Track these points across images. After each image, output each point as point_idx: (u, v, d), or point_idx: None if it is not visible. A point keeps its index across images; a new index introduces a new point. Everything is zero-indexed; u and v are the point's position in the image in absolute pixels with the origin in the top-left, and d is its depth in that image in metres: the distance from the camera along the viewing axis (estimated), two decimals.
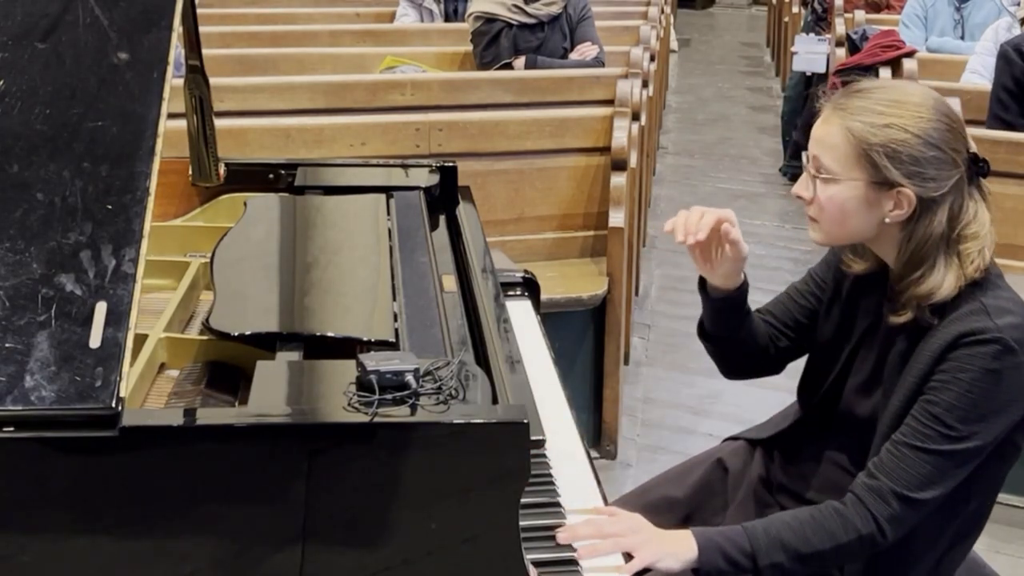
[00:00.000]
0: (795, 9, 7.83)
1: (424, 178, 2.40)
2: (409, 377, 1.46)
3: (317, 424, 1.43)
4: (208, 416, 1.50)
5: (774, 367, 2.07)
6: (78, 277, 1.44)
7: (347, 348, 1.63)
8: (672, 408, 4.00)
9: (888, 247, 1.79)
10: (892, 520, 1.72)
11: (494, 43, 4.61)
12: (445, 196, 2.42)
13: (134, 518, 1.38)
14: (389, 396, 1.44)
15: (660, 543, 1.72)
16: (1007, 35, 4.31)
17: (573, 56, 4.68)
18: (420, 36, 5.23)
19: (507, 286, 2.42)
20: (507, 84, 4.12)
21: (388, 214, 2.16)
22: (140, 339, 1.70)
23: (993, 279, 1.76)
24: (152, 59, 1.64)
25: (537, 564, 1.57)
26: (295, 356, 1.62)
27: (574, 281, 3.59)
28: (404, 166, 2.51)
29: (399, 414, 1.43)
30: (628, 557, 1.69)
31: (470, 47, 4.72)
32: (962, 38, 5.28)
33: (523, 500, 1.45)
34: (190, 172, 2.29)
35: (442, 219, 2.34)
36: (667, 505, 2.08)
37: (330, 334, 1.69)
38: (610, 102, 3.83)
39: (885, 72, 4.67)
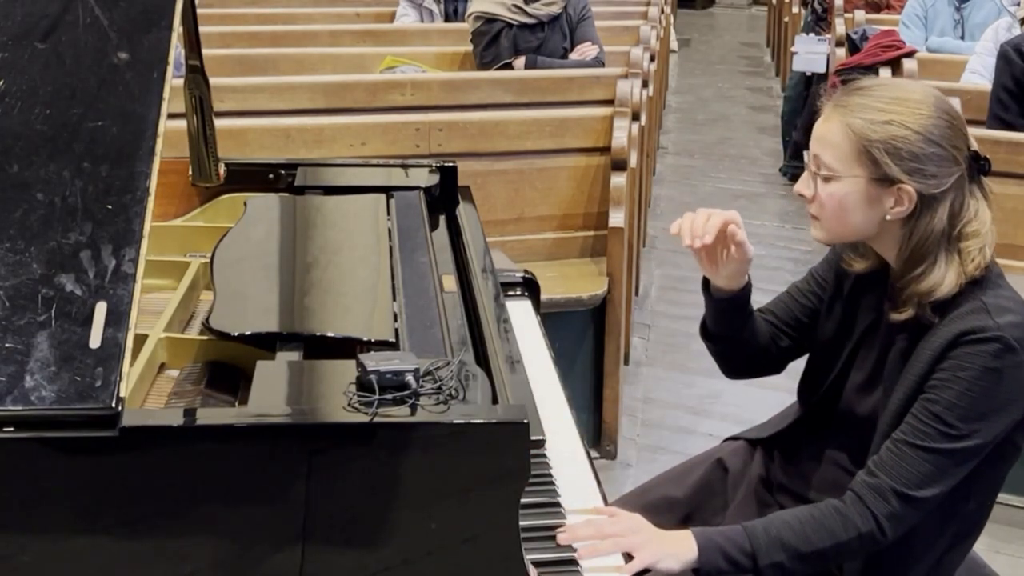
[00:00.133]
0: (795, 9, 7.83)
1: (424, 178, 2.40)
2: (409, 377, 1.46)
3: (317, 424, 1.43)
4: (208, 416, 1.50)
5: (775, 367, 2.07)
6: (78, 277, 1.44)
7: (347, 348, 1.63)
8: (672, 408, 4.00)
9: (889, 245, 1.79)
10: (892, 518, 1.72)
11: (494, 43, 4.61)
12: (445, 196, 2.42)
13: (134, 518, 1.38)
14: (389, 396, 1.44)
15: (660, 543, 1.72)
16: (1007, 35, 4.31)
17: (573, 56, 4.68)
18: (420, 36, 5.23)
19: (507, 286, 2.42)
20: (507, 84, 4.12)
21: (388, 214, 2.16)
22: (140, 339, 1.70)
23: (994, 278, 1.76)
24: (152, 59, 1.64)
25: (537, 564, 1.57)
26: (295, 356, 1.62)
27: (574, 281, 3.59)
28: (404, 166, 2.51)
29: (399, 414, 1.43)
30: (628, 557, 1.69)
31: (470, 47, 4.72)
32: (962, 38, 5.28)
33: (523, 500, 1.44)
34: (190, 172, 2.29)
35: (442, 219, 2.34)
36: (667, 505, 2.08)
37: (330, 334, 1.69)
38: (610, 102, 3.83)
39: (885, 72, 4.67)
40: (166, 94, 1.61)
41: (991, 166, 1.77)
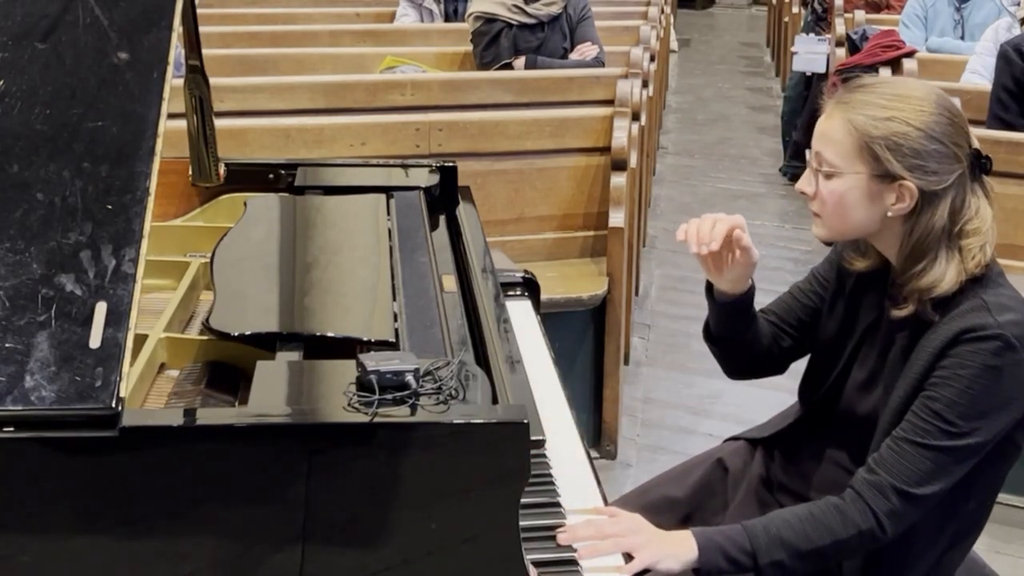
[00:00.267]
0: (795, 9, 7.83)
1: (424, 178, 2.40)
2: (409, 377, 1.46)
3: (317, 424, 1.43)
4: (208, 416, 1.50)
5: (778, 367, 2.07)
6: (78, 277, 1.44)
7: (347, 348, 1.63)
8: (672, 408, 4.00)
9: (890, 242, 1.79)
10: (891, 515, 1.72)
11: (494, 43, 4.61)
12: (445, 196, 2.42)
13: (134, 518, 1.38)
14: (389, 396, 1.44)
15: (660, 543, 1.72)
16: (1007, 35, 4.31)
17: (573, 56, 4.68)
18: (420, 36, 5.23)
19: (507, 286, 2.42)
20: (507, 84, 4.12)
21: (388, 214, 2.16)
22: (140, 339, 1.70)
23: (994, 276, 1.76)
24: (152, 59, 1.64)
25: (537, 564, 1.57)
26: (295, 356, 1.62)
27: (574, 281, 3.59)
28: (404, 166, 2.51)
29: (399, 414, 1.43)
30: (628, 557, 1.69)
31: (470, 47, 4.72)
32: (962, 38, 5.28)
33: (523, 500, 1.44)
34: (190, 172, 2.29)
35: (442, 219, 2.34)
36: (667, 505, 2.08)
37: (330, 334, 1.69)
38: (610, 102, 3.83)
39: (885, 72, 4.67)
40: (166, 94, 1.61)
41: (992, 164, 1.77)
